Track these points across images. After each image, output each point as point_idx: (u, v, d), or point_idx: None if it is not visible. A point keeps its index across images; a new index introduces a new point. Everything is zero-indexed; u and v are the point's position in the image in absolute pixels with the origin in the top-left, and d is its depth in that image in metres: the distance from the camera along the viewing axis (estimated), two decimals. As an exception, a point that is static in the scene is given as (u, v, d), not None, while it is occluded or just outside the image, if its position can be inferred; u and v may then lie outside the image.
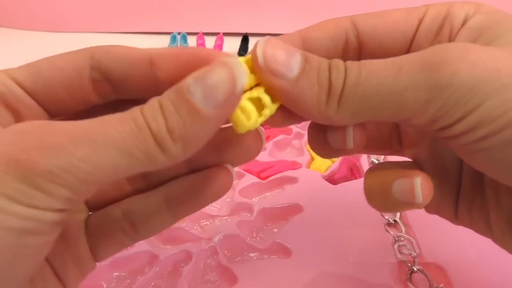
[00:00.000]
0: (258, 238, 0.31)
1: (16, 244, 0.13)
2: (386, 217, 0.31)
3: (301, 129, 0.41)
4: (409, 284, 0.26)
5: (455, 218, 0.20)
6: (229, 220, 0.32)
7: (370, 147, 0.22)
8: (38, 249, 0.13)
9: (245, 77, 0.15)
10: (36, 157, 0.13)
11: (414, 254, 0.28)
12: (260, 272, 0.27)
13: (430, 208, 0.21)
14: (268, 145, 0.39)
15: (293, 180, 0.35)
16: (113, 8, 0.72)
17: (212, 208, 0.33)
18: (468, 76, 0.13)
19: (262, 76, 0.16)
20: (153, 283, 0.27)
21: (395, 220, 0.31)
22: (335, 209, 0.32)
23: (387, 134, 0.21)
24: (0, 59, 0.63)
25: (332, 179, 0.35)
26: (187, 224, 0.30)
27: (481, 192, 0.19)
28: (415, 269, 0.27)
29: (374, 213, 0.31)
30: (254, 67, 0.16)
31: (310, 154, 0.38)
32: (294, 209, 0.32)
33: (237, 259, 0.29)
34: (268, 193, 0.35)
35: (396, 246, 0.28)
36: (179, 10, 0.68)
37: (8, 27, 0.76)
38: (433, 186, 0.17)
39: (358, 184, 0.34)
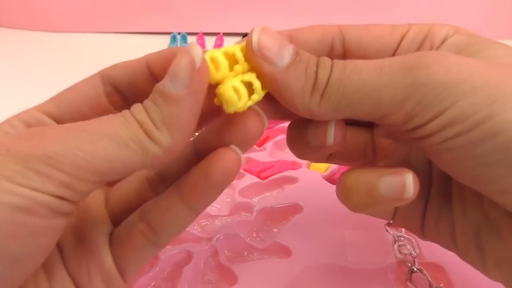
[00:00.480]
0: (258, 238, 0.31)
1: (9, 220, 0.13)
2: (386, 217, 0.31)
3: (301, 129, 0.41)
4: (409, 284, 0.26)
5: (422, 232, 0.21)
6: (229, 220, 0.32)
7: (344, 157, 0.22)
8: (32, 230, 0.14)
9: (201, 54, 0.16)
10: (35, 144, 0.14)
11: (414, 254, 0.28)
12: (260, 272, 0.27)
13: (398, 220, 0.21)
14: (268, 145, 0.39)
15: (293, 180, 0.35)
16: (113, 8, 0.72)
17: (212, 208, 0.33)
18: (443, 78, 0.15)
19: (254, 61, 0.17)
20: (153, 283, 0.27)
21: (395, 220, 0.31)
22: (335, 209, 0.32)
23: (362, 144, 0.22)
24: (0, 59, 0.64)
25: (332, 179, 0.35)
26: (187, 224, 0.30)
27: (448, 204, 0.20)
28: (415, 269, 0.27)
29: (374, 213, 0.31)
30: (247, 52, 0.17)
31: (310, 154, 0.38)
32: (294, 209, 0.32)
33: (237, 259, 0.29)
34: (268, 193, 0.35)
35: (396, 246, 0.28)
36: (179, 10, 0.68)
37: (8, 27, 0.76)
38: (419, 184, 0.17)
39: (358, 184, 0.34)
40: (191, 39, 0.63)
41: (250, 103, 0.17)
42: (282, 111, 0.18)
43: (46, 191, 0.14)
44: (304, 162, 0.37)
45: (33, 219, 0.14)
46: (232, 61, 0.17)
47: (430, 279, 0.26)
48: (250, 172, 0.36)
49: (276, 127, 0.42)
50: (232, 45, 0.17)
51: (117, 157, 0.14)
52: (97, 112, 0.18)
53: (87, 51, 0.68)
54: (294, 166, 0.37)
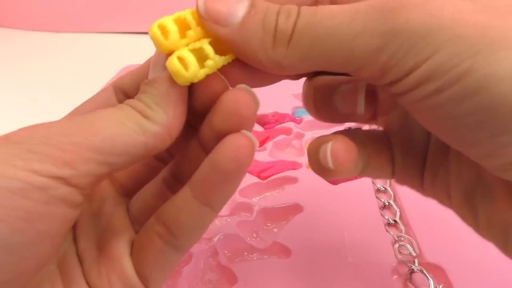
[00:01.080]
0: (258, 238, 0.31)
1: (1, 203, 0.13)
2: (386, 217, 0.31)
3: (301, 129, 0.41)
4: (409, 284, 0.26)
5: (422, 188, 0.20)
6: (229, 220, 0.32)
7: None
8: (26, 214, 0.13)
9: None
10: (34, 129, 0.14)
11: (414, 254, 0.28)
12: (260, 272, 0.27)
13: (398, 178, 0.21)
14: (268, 145, 0.39)
15: (293, 180, 0.35)
16: (112, 8, 0.72)
17: (212, 208, 0.33)
18: (423, 23, 0.13)
19: (206, 25, 0.16)
20: (153, 283, 0.27)
21: (395, 220, 0.31)
22: (335, 209, 0.32)
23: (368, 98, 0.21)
24: (0, 59, 0.64)
25: (332, 179, 0.35)
26: (187, 224, 0.30)
27: (446, 163, 0.19)
28: (415, 269, 0.27)
29: (374, 213, 0.31)
30: (198, 16, 0.16)
31: (310, 154, 0.38)
32: (294, 209, 0.32)
33: (237, 259, 0.29)
34: (268, 193, 0.35)
35: (396, 246, 0.28)
36: (179, 10, 0.68)
37: (8, 27, 0.76)
38: (349, 153, 0.17)
39: (358, 184, 0.34)
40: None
41: (205, 70, 0.16)
42: (259, 76, 0.17)
43: (45, 172, 0.13)
44: (304, 162, 0.37)
45: (27, 202, 0.13)
46: (185, 26, 0.16)
47: (430, 279, 0.26)
48: (250, 172, 0.36)
49: (276, 127, 0.42)
50: (186, 10, 0.16)
51: (117, 134, 0.15)
52: None
53: (87, 51, 0.68)
54: (294, 166, 0.37)
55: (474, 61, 0.12)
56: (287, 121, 0.43)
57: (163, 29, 0.15)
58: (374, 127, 0.21)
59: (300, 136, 0.41)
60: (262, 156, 0.38)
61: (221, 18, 0.15)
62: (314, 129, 0.42)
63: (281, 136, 0.40)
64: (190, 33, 0.16)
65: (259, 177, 0.35)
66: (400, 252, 0.28)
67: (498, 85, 0.12)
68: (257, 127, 0.42)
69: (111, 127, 0.15)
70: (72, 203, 0.15)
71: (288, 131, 0.41)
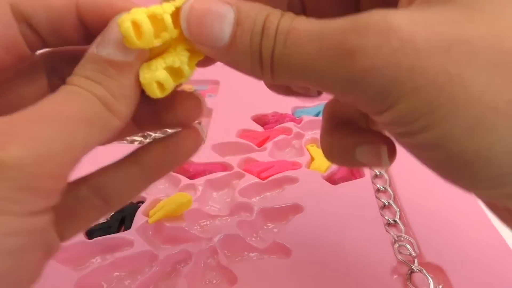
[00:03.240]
0: (258, 238, 0.31)
1: None
2: (386, 217, 0.31)
3: (301, 129, 0.41)
4: (409, 284, 0.26)
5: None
6: (229, 220, 0.32)
7: None
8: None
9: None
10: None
11: (414, 254, 0.28)
12: (260, 272, 0.27)
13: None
14: (268, 145, 0.39)
15: (293, 180, 0.35)
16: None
17: (212, 208, 0.33)
18: (381, 76, 0.12)
19: (192, 43, 0.15)
20: (153, 283, 0.27)
21: (395, 220, 0.31)
22: (335, 209, 0.32)
23: None
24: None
25: (332, 179, 0.35)
26: (187, 224, 0.30)
27: None
28: (415, 269, 0.27)
29: (374, 213, 0.31)
30: (180, 30, 0.15)
31: (310, 154, 0.38)
32: (294, 209, 0.32)
33: (237, 259, 0.29)
34: (268, 193, 0.35)
35: (396, 246, 0.28)
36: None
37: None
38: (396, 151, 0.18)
39: (358, 184, 0.34)
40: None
41: (181, 80, 0.16)
42: None
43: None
44: (304, 162, 0.37)
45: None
46: (160, 25, 0.14)
47: (430, 279, 0.26)
48: (250, 172, 0.36)
49: (276, 127, 0.42)
50: (163, 4, 0.14)
51: (88, 137, 0.14)
52: (14, 56, 0.16)
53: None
54: (294, 166, 0.37)
55: (431, 119, 0.12)
56: (287, 121, 0.43)
57: (136, 26, 0.14)
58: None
59: (300, 136, 0.41)
60: (262, 156, 0.38)
61: (207, 41, 0.14)
62: (314, 129, 0.42)
63: (281, 136, 0.40)
64: (165, 35, 0.15)
65: (259, 177, 0.35)
66: (400, 252, 0.28)
67: (453, 144, 0.12)
68: (257, 127, 0.42)
69: (80, 130, 0.14)
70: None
71: (288, 131, 0.41)
